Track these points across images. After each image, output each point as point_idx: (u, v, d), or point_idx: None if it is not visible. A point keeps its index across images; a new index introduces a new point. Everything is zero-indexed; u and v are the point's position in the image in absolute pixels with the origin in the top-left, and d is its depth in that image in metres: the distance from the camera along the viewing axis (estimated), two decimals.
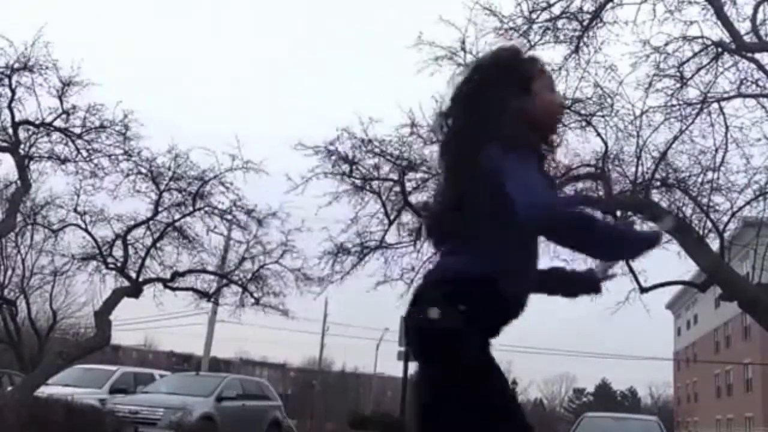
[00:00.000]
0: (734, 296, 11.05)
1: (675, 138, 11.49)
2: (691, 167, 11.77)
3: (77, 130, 13.25)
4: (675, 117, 11.44)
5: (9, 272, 23.39)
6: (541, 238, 2.19)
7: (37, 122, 13.04)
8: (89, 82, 12.76)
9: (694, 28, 10.94)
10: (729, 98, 11.22)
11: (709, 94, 11.23)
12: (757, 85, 11.02)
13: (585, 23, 11.24)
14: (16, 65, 12.39)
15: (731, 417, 44.01)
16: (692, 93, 11.37)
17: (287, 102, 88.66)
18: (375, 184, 12.28)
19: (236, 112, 70.17)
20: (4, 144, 13.15)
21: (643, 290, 12.02)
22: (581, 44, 11.33)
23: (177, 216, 14.33)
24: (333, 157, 11.91)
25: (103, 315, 13.47)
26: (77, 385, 14.59)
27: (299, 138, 11.84)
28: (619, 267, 12.37)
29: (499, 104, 2.20)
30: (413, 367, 2.24)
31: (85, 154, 13.49)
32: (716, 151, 11.37)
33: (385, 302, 14.60)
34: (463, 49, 11.23)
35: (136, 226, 14.25)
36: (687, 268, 11.99)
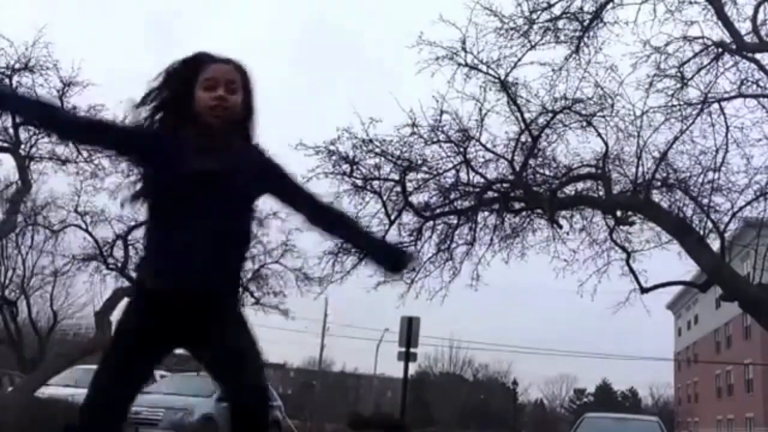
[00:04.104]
0: (735, 296, 11.04)
1: (675, 138, 11.49)
2: (691, 167, 11.78)
3: None
4: (675, 117, 11.45)
5: (10, 273, 23.42)
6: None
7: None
8: (90, 83, 12.77)
9: (694, 28, 10.96)
10: (729, 98, 11.23)
11: (709, 95, 11.23)
12: (758, 86, 11.03)
13: (585, 23, 11.24)
14: (17, 65, 12.39)
15: (732, 417, 44.01)
16: (693, 93, 11.39)
17: (288, 102, 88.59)
18: (375, 184, 12.27)
19: None
20: (5, 144, 13.15)
21: (644, 290, 12.02)
22: (582, 44, 11.34)
23: None
24: (333, 157, 11.90)
25: (103, 315, 13.48)
26: (78, 386, 14.56)
27: (300, 138, 11.83)
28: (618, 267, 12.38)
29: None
30: None
31: (85, 154, 13.48)
32: (717, 151, 11.37)
33: (385, 302, 14.60)
34: (464, 49, 11.26)
35: (137, 226, 14.24)
36: (688, 269, 12.01)
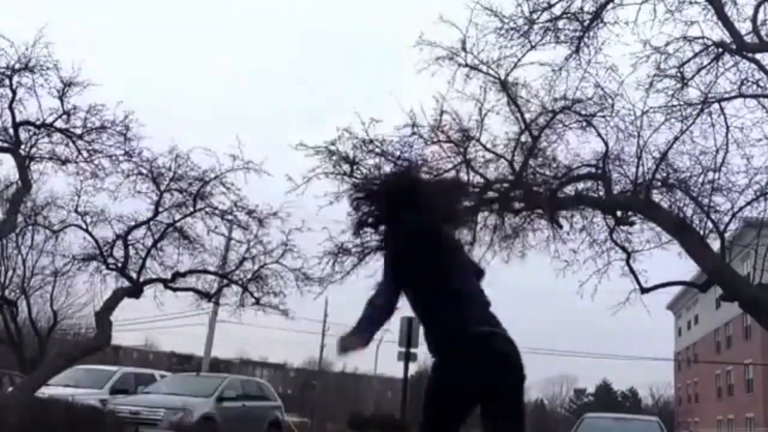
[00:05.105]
0: (735, 297, 11.03)
1: (676, 138, 11.48)
2: (691, 167, 11.76)
3: (78, 131, 13.24)
4: (676, 117, 11.44)
5: (10, 273, 23.43)
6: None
7: (38, 123, 13.04)
8: (90, 83, 12.76)
9: (694, 28, 10.95)
10: (730, 98, 11.22)
11: (709, 95, 11.22)
12: (758, 86, 11.02)
13: (586, 24, 11.24)
14: (17, 66, 12.39)
15: (732, 417, 44.01)
16: (693, 93, 11.38)
17: (288, 102, 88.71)
18: None
19: (237, 113, 70.24)
20: (5, 144, 13.15)
21: (644, 291, 12.00)
22: (582, 45, 11.34)
23: (178, 216, 14.33)
24: (334, 157, 11.89)
25: (103, 315, 13.47)
26: (78, 386, 14.59)
27: (300, 138, 11.84)
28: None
29: None
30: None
31: (85, 154, 13.48)
32: (717, 151, 11.36)
33: None
34: (464, 49, 11.26)
35: (137, 226, 14.24)
36: (688, 269, 11.99)
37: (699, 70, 11.20)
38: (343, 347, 3.40)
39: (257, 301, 14.84)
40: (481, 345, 3.27)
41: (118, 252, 14.22)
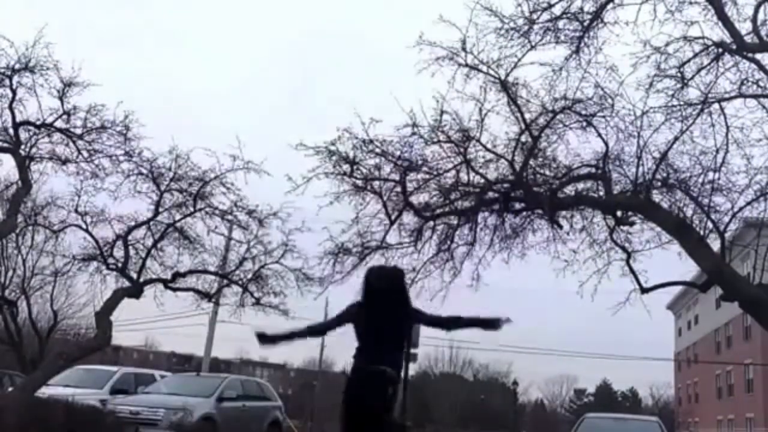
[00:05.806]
0: (735, 297, 11.03)
1: (676, 138, 11.47)
2: (691, 168, 11.75)
3: (78, 131, 13.26)
4: (676, 117, 11.43)
5: (10, 273, 23.45)
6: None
7: (38, 123, 13.06)
8: (90, 83, 12.77)
9: (694, 28, 10.95)
10: (730, 99, 11.21)
11: (709, 95, 11.22)
12: (758, 86, 11.01)
13: (586, 24, 11.24)
14: (17, 66, 12.40)
15: (732, 417, 44.03)
16: (693, 93, 11.37)
17: (288, 102, 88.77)
18: (376, 184, 12.25)
19: (237, 113, 70.26)
20: (5, 145, 13.17)
21: (644, 291, 11.99)
22: (582, 45, 11.33)
23: (178, 216, 14.35)
24: (334, 158, 11.88)
25: (103, 315, 13.48)
26: (78, 386, 14.61)
27: (300, 138, 11.82)
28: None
29: None
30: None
31: (85, 154, 13.51)
32: (717, 151, 11.35)
33: None
34: (464, 49, 11.24)
35: (137, 226, 14.25)
36: (688, 269, 11.98)
37: (699, 70, 11.20)
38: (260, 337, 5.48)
39: (257, 301, 14.86)
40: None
41: (118, 252, 14.24)
